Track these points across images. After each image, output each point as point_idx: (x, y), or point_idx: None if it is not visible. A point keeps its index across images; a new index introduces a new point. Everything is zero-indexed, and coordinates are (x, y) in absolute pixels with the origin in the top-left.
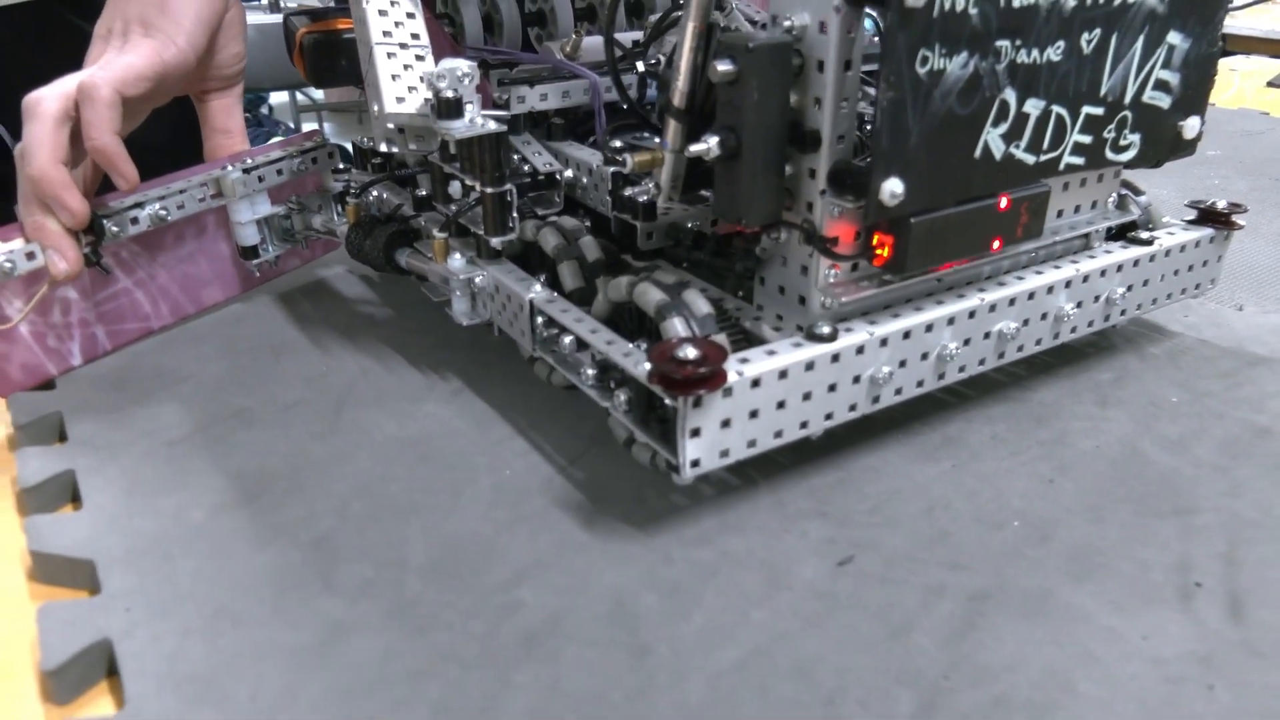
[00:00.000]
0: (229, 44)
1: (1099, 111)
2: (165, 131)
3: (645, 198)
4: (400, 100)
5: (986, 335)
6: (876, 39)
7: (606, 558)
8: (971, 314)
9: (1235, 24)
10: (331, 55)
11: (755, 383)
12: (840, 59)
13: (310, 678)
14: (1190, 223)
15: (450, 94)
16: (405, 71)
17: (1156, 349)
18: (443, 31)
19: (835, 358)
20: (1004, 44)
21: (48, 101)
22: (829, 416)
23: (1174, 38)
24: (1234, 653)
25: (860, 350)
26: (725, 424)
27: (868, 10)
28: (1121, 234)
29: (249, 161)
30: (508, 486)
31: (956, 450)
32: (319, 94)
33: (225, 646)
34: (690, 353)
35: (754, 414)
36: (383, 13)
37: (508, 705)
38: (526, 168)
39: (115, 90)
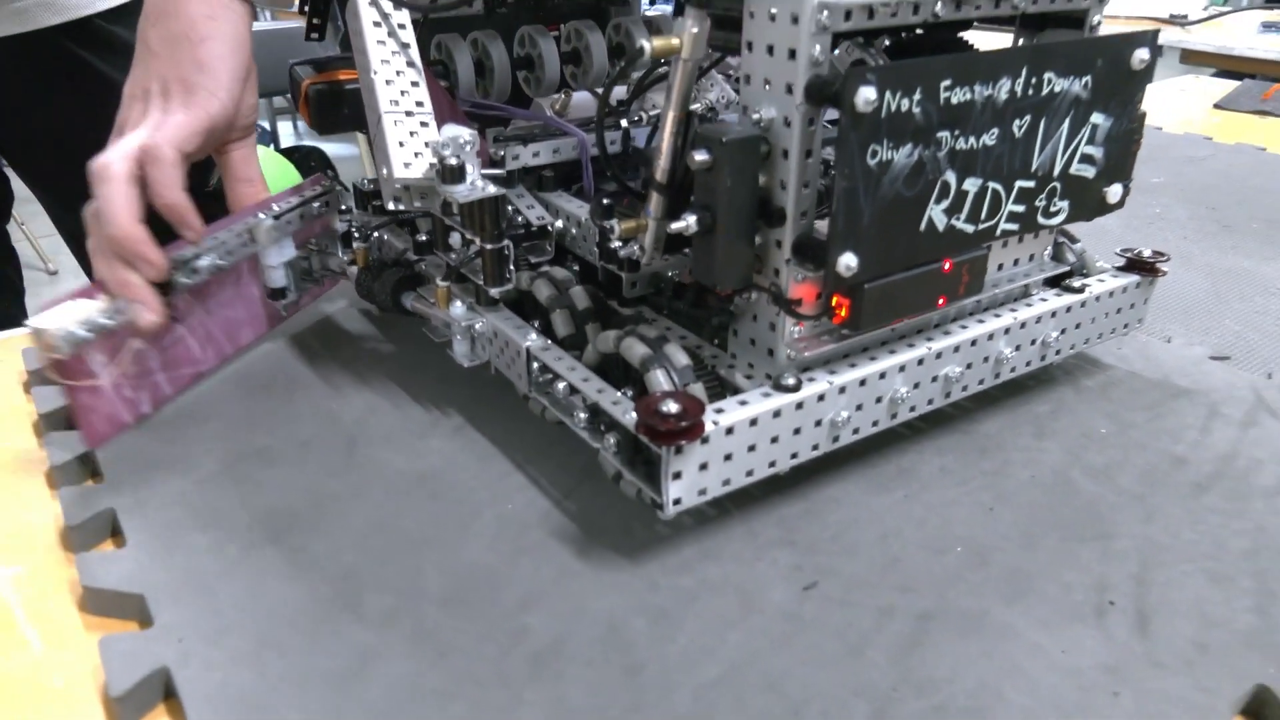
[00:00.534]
0: (248, 95)
1: (1030, 184)
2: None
3: (630, 257)
4: (407, 165)
5: (934, 379)
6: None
7: (600, 585)
8: (920, 361)
9: (1190, 39)
10: (335, 104)
11: (729, 430)
12: (802, 148)
13: (349, 699)
14: (1119, 269)
15: (454, 161)
16: (411, 138)
17: (1090, 381)
18: (442, 90)
19: (799, 405)
20: (944, 134)
21: (116, 164)
22: (794, 455)
23: (1097, 118)
24: (1138, 663)
25: (821, 398)
26: (703, 467)
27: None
28: (1059, 280)
29: (276, 209)
30: (510, 520)
31: (909, 481)
32: None
33: (271, 673)
34: (672, 407)
35: (728, 457)
36: (389, 82)
37: (524, 712)
38: (520, 219)
39: (177, 150)
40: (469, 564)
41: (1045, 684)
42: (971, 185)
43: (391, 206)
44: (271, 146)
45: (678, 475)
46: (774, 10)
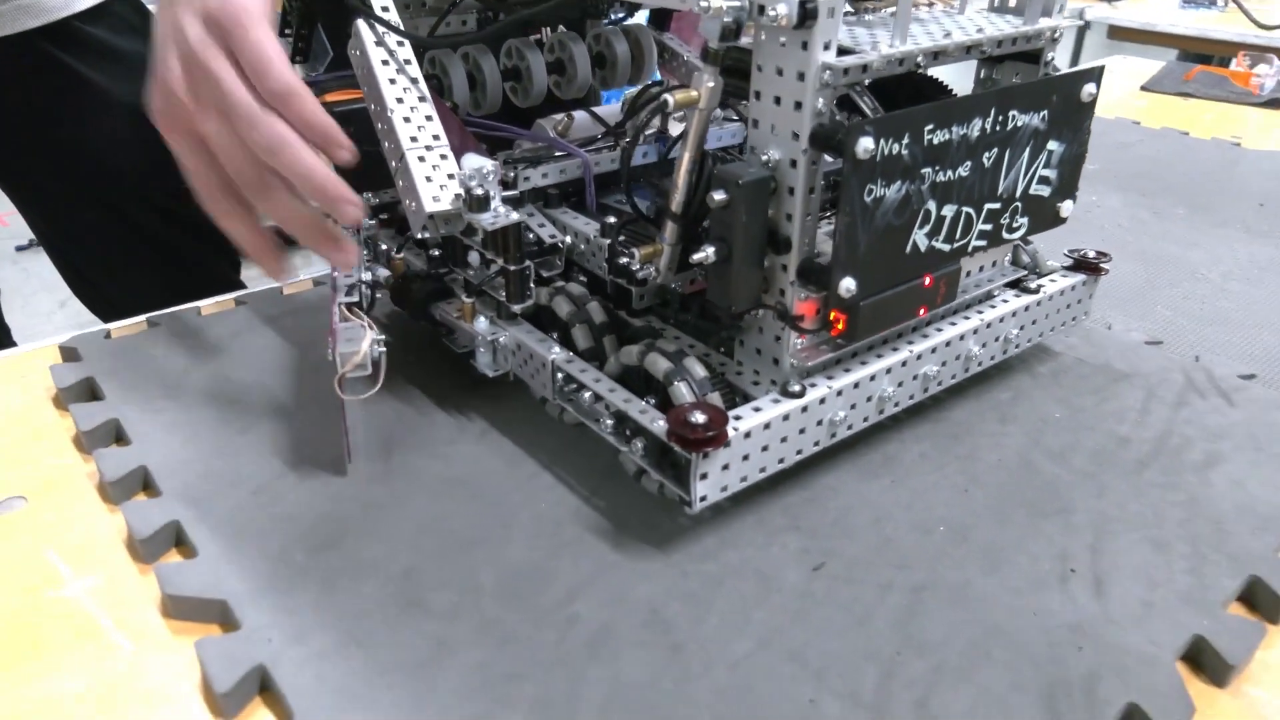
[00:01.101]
0: None
1: (997, 206)
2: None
3: (642, 274)
4: (436, 200)
5: (915, 377)
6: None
7: (636, 575)
8: (904, 363)
9: (1116, 15)
10: (340, 126)
11: (747, 435)
12: (806, 186)
13: (432, 685)
14: (1067, 269)
15: (480, 191)
16: (435, 170)
17: (1043, 368)
18: (451, 114)
19: (805, 409)
20: (927, 170)
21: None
22: (799, 452)
23: (1052, 145)
24: (1097, 622)
25: (822, 401)
26: (725, 467)
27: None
28: (1017, 281)
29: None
30: (545, 518)
31: (894, 468)
32: None
33: (358, 666)
34: (700, 417)
35: (745, 457)
36: (407, 119)
37: (587, 695)
38: (531, 236)
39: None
40: (515, 560)
41: (1022, 643)
42: (949, 211)
43: (419, 236)
44: None
45: (704, 476)
46: (781, 66)
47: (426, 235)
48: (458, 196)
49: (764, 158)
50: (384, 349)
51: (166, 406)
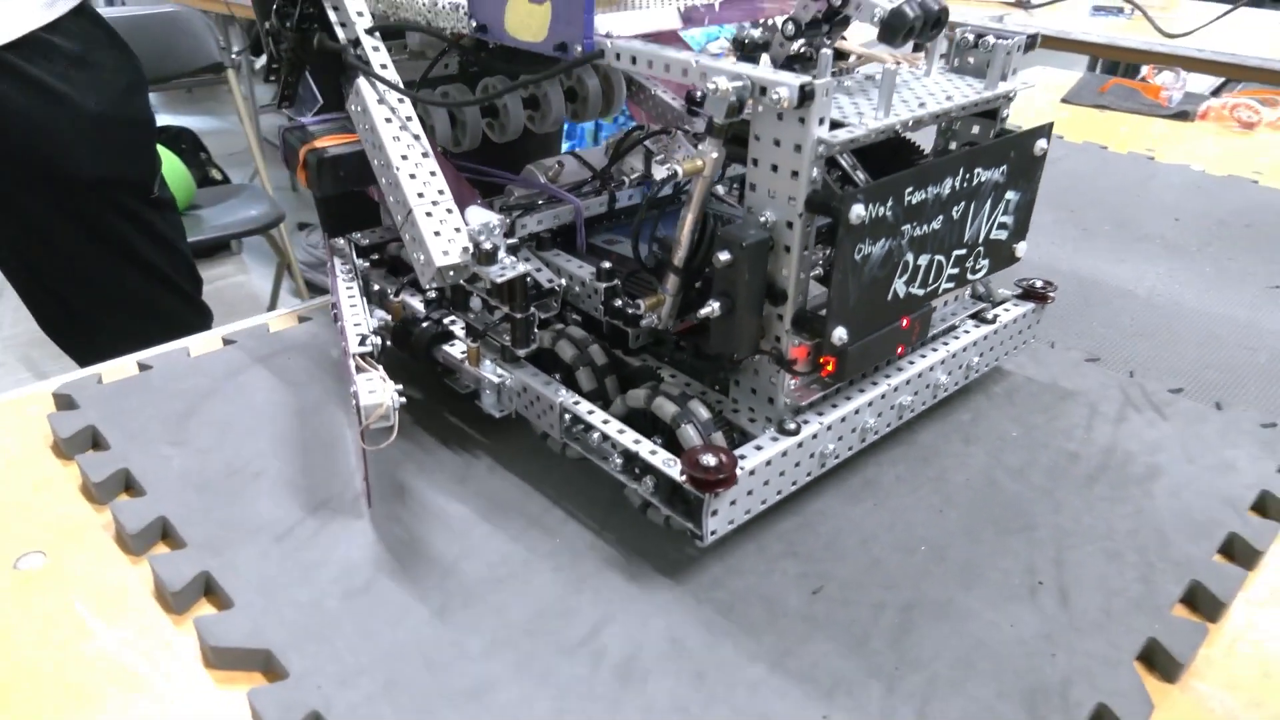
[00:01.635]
0: None
1: (963, 252)
2: None
3: (646, 323)
4: (446, 253)
5: (892, 407)
6: None
7: (653, 606)
8: (883, 396)
9: (1033, 23)
10: (333, 169)
11: (751, 472)
12: (801, 245)
13: (479, 718)
14: (1017, 297)
15: (488, 246)
16: (442, 225)
17: (998, 388)
18: (449, 164)
19: (800, 444)
20: (907, 227)
21: None
22: (794, 484)
23: (1010, 195)
24: (1064, 630)
25: (815, 436)
26: (733, 502)
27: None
28: (975, 313)
29: None
30: (563, 552)
31: (874, 491)
32: None
33: (407, 704)
34: (711, 460)
35: (750, 492)
36: (413, 176)
37: (624, 714)
38: (529, 280)
39: None
40: (540, 596)
41: (1002, 654)
42: (923, 260)
43: (427, 286)
44: None
45: (715, 512)
46: (779, 138)
47: (434, 285)
48: (465, 249)
49: (761, 218)
50: (404, 400)
51: (173, 454)
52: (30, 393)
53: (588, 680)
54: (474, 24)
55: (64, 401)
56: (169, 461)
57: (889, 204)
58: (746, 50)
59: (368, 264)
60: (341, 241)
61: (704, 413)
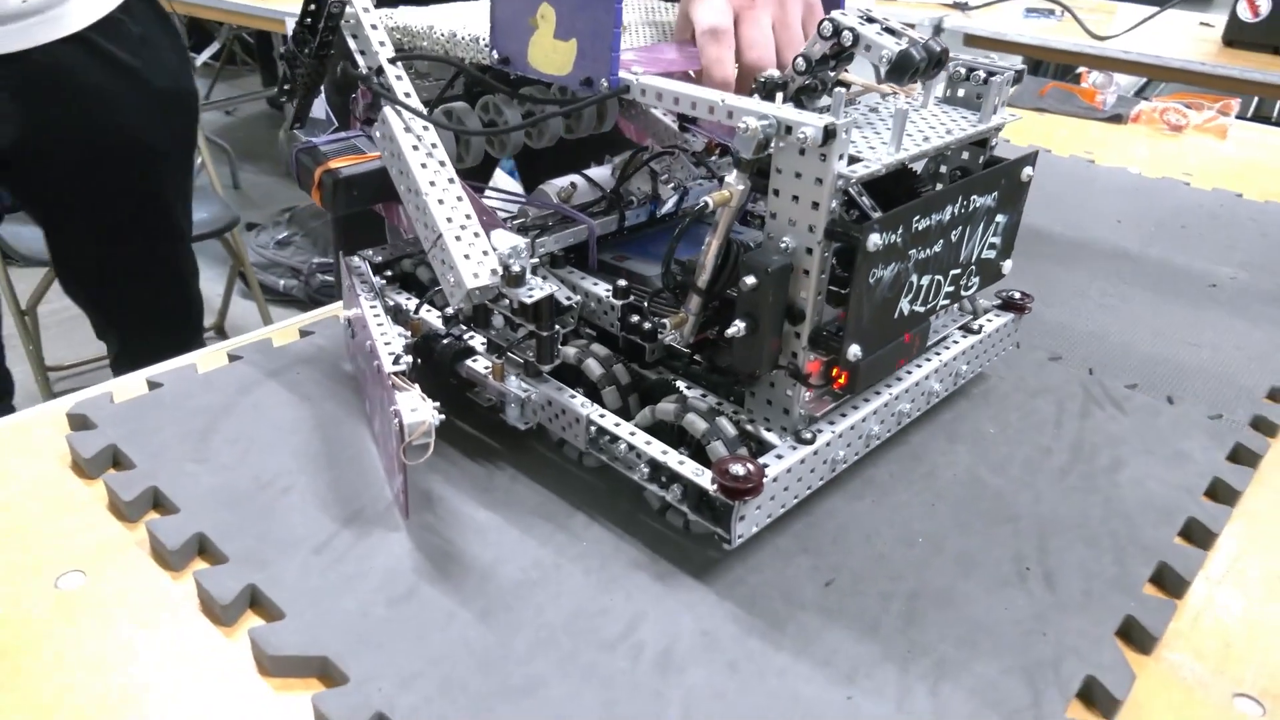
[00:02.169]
0: None
1: (958, 271)
2: None
3: (669, 341)
4: (476, 275)
5: (893, 415)
6: None
7: (682, 603)
8: (885, 405)
9: (970, 24)
10: (348, 190)
11: (774, 479)
12: (819, 269)
13: (534, 713)
14: (998, 308)
15: (517, 268)
16: (471, 249)
17: (975, 389)
18: (470, 190)
19: (815, 452)
20: (913, 251)
21: None
22: (809, 488)
23: (999, 218)
24: (1052, 611)
25: (828, 444)
26: (758, 507)
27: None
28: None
29: None
30: (591, 555)
31: (872, 489)
32: None
33: (465, 702)
34: (741, 470)
35: (772, 497)
36: (441, 201)
37: (668, 706)
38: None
39: None
40: (576, 598)
41: (1000, 635)
42: (925, 280)
43: (456, 309)
44: None
45: (742, 518)
46: (801, 171)
47: (463, 307)
48: (494, 271)
49: (782, 244)
50: (443, 417)
51: (198, 471)
52: (40, 414)
53: (630, 673)
54: (496, 56)
55: (79, 422)
56: (196, 479)
57: (900, 231)
58: (767, 90)
59: (383, 281)
60: (357, 260)
61: (730, 430)
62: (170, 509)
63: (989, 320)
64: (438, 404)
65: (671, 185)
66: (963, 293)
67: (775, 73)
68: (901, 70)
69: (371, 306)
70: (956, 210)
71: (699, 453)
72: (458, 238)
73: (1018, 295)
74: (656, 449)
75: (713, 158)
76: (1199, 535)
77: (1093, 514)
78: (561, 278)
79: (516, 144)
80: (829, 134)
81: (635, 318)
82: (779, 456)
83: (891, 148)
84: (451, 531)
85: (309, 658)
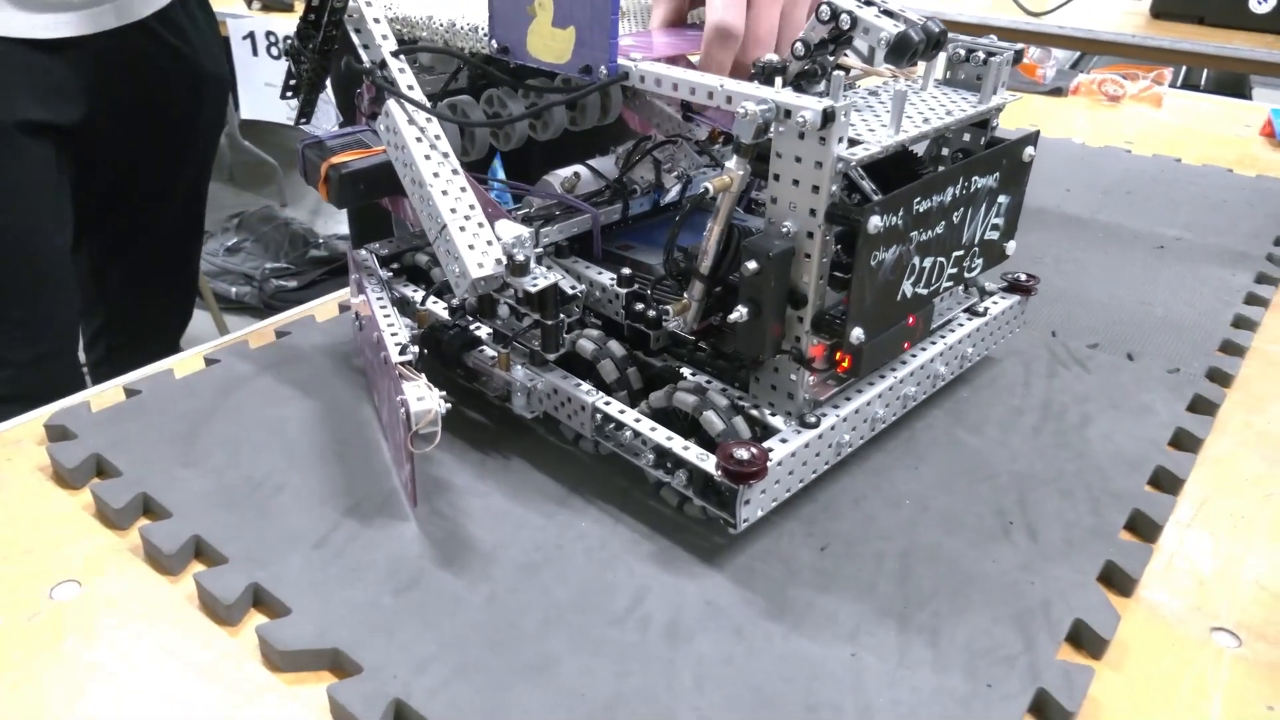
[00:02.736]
0: None
1: (961, 253)
2: None
3: (673, 328)
4: (481, 265)
5: (898, 398)
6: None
7: (683, 575)
8: (891, 388)
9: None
10: (354, 184)
11: (779, 463)
12: (821, 253)
13: (551, 691)
14: (1003, 289)
15: (521, 258)
16: (475, 239)
17: None
18: (472, 180)
19: (820, 436)
20: (915, 233)
21: None
22: (815, 472)
23: (1001, 198)
24: (1037, 561)
25: (833, 428)
26: (762, 492)
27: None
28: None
29: None
30: (590, 535)
31: (855, 454)
32: None
33: (482, 683)
34: (745, 454)
35: (777, 481)
36: (445, 192)
37: (680, 674)
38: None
39: None
40: (580, 575)
41: (990, 586)
42: (928, 263)
43: (460, 299)
44: None
45: (748, 502)
46: (801, 155)
47: (466, 296)
48: (499, 261)
49: (784, 229)
50: (449, 405)
51: (188, 475)
52: (12, 426)
53: (640, 645)
54: (495, 45)
55: (58, 433)
56: (186, 483)
57: (900, 213)
58: (766, 74)
59: (389, 273)
60: (364, 253)
61: (722, 400)
62: (162, 514)
63: (994, 303)
64: (444, 393)
65: (675, 174)
66: (966, 275)
67: (774, 57)
68: (901, 52)
69: (379, 299)
70: (958, 191)
71: (704, 442)
72: (462, 228)
73: (1023, 277)
74: (661, 435)
75: (716, 146)
76: (1167, 483)
77: (1067, 468)
78: (566, 267)
79: (521, 136)
80: (828, 117)
81: (639, 305)
82: (783, 440)
83: (891, 129)
84: (451, 519)
85: (320, 650)
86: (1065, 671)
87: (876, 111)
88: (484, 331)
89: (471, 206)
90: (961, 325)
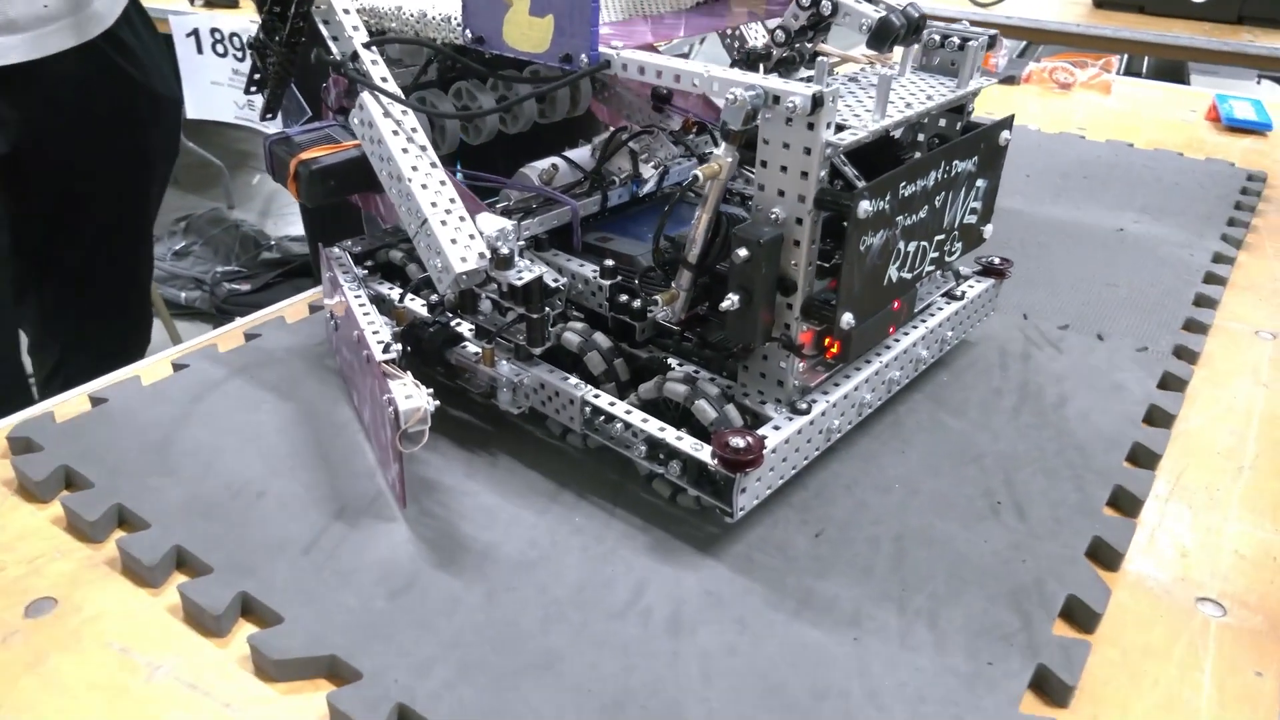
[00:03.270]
0: None
1: (942, 237)
2: None
3: (661, 318)
4: (464, 260)
5: (884, 383)
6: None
7: (681, 566)
8: (877, 373)
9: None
10: (324, 180)
11: (773, 451)
12: (810, 239)
13: (556, 689)
14: (978, 274)
15: (505, 251)
16: (457, 233)
17: None
18: (452, 175)
19: (812, 422)
20: (900, 218)
21: None
22: (806, 458)
23: (980, 182)
24: (1026, 539)
25: (823, 414)
26: (758, 479)
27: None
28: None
29: None
30: (585, 531)
31: (843, 440)
32: None
33: (485, 684)
34: (741, 443)
35: (771, 469)
36: (424, 186)
37: (684, 663)
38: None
39: None
40: (578, 571)
41: (983, 565)
42: (912, 247)
43: (442, 295)
44: None
45: (743, 490)
46: (789, 141)
47: (448, 291)
48: (482, 255)
49: (772, 215)
50: (437, 403)
51: (164, 484)
52: None
53: (643, 639)
54: (469, 35)
55: (22, 445)
56: (162, 492)
57: (887, 198)
58: (750, 61)
59: (364, 271)
60: (338, 250)
61: (713, 389)
62: (139, 525)
63: (970, 286)
64: (432, 390)
65: (653, 165)
66: (947, 258)
67: (757, 44)
68: (882, 37)
69: (356, 296)
70: (940, 175)
71: (696, 431)
72: (443, 222)
73: (997, 261)
74: (653, 426)
75: (690, 135)
76: (1145, 458)
77: (1048, 447)
78: (546, 260)
79: (491, 129)
80: (817, 102)
81: (624, 297)
82: (776, 428)
83: (877, 114)
84: (443, 518)
85: (316, 658)
86: (1063, 647)
87: (859, 97)
88: (465, 327)
89: (452, 200)
90: (941, 309)
